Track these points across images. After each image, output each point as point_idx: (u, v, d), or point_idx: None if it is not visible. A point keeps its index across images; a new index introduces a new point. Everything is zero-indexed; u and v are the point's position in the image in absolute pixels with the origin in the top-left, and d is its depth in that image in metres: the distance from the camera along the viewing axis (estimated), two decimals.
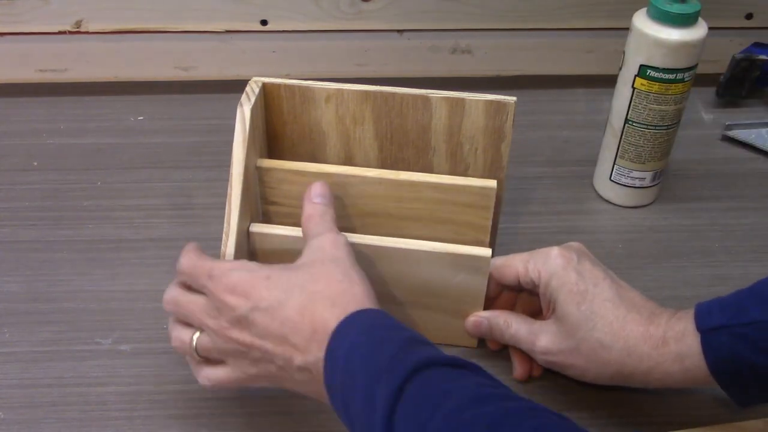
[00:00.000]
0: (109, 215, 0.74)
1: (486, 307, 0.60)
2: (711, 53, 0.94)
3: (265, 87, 0.61)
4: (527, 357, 0.58)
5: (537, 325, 0.57)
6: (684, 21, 0.67)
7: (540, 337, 0.55)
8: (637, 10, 0.70)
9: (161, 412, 0.57)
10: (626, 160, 0.75)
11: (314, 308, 0.48)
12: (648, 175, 0.75)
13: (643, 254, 0.72)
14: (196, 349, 0.51)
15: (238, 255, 0.56)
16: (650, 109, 0.71)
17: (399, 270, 0.58)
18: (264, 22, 0.89)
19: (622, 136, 0.74)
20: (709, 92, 0.92)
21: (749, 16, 0.92)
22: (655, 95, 0.70)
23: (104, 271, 0.68)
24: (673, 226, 0.76)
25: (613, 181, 0.77)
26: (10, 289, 0.66)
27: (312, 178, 0.61)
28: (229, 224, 0.56)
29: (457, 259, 0.57)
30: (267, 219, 0.64)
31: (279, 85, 0.61)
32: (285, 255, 0.59)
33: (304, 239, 0.54)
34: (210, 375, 0.51)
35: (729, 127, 0.87)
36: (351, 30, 0.90)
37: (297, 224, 0.60)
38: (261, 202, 0.63)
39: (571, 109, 0.90)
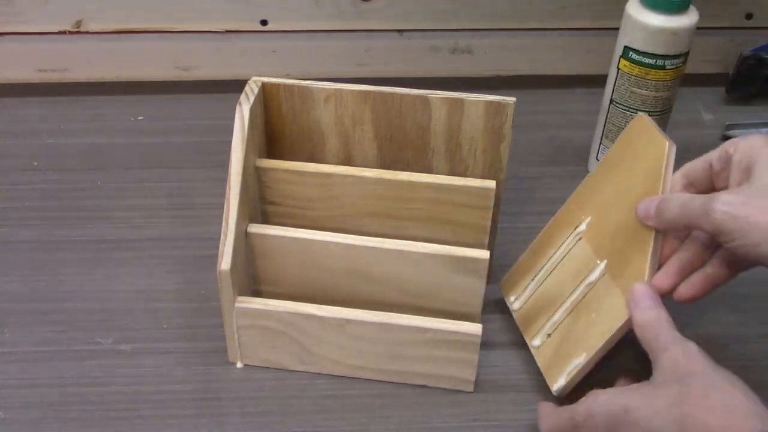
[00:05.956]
0: (109, 215, 0.74)
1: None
2: (711, 53, 0.94)
3: (264, 87, 0.61)
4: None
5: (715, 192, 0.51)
6: (669, 8, 0.68)
7: (721, 194, 0.49)
8: None
9: (161, 412, 0.58)
10: (610, 140, 0.76)
11: None
12: None
13: None
14: None
15: (237, 255, 0.56)
16: (631, 92, 0.73)
17: (396, 271, 0.58)
18: (264, 22, 0.89)
19: (607, 116, 0.76)
20: (709, 92, 0.92)
21: (749, 16, 0.92)
22: (636, 78, 0.72)
23: (104, 271, 0.68)
24: None
25: (598, 160, 0.78)
26: (10, 289, 0.66)
27: (311, 178, 0.62)
28: (227, 224, 0.56)
29: (456, 261, 0.57)
30: (266, 219, 0.64)
31: (278, 85, 0.61)
32: (283, 255, 0.59)
33: (649, 352, 0.51)
34: None
35: (729, 127, 0.86)
36: (351, 30, 0.90)
37: (296, 224, 0.60)
38: (260, 202, 0.63)
39: (571, 109, 0.90)
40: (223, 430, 0.57)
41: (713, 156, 0.54)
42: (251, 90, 0.60)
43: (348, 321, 0.57)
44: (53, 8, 0.86)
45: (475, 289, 0.58)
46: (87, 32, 0.88)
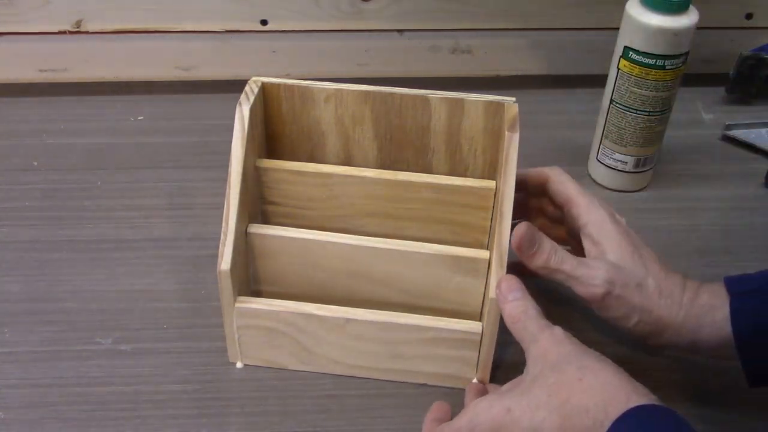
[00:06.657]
0: (109, 215, 0.74)
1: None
2: (711, 53, 0.94)
3: (264, 87, 0.61)
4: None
5: (585, 259, 0.56)
6: (669, 8, 0.69)
7: (598, 268, 0.54)
8: None
9: (161, 412, 0.58)
10: (610, 140, 0.77)
11: (572, 424, 0.46)
12: (630, 160, 0.77)
13: None
14: None
15: (237, 255, 0.56)
16: (631, 92, 0.73)
17: (396, 271, 0.58)
18: (264, 22, 0.89)
19: (607, 116, 0.76)
20: (709, 92, 0.92)
21: (749, 16, 0.92)
22: (636, 78, 0.72)
23: (104, 271, 0.68)
24: (672, 225, 0.76)
25: (598, 160, 0.79)
26: (10, 289, 0.66)
27: (311, 178, 0.62)
28: (227, 224, 0.56)
29: (456, 261, 0.57)
30: (265, 219, 0.64)
31: (278, 85, 0.61)
32: (283, 255, 0.59)
33: (520, 343, 0.52)
34: None
35: (729, 127, 0.87)
36: (351, 30, 0.90)
37: (295, 224, 0.60)
38: (260, 202, 0.63)
39: (571, 109, 0.90)
40: (223, 430, 0.57)
41: (550, 188, 0.61)
42: (251, 90, 0.60)
43: (348, 320, 0.57)
44: (53, 8, 0.86)
45: (475, 288, 0.58)
46: (87, 32, 0.88)
